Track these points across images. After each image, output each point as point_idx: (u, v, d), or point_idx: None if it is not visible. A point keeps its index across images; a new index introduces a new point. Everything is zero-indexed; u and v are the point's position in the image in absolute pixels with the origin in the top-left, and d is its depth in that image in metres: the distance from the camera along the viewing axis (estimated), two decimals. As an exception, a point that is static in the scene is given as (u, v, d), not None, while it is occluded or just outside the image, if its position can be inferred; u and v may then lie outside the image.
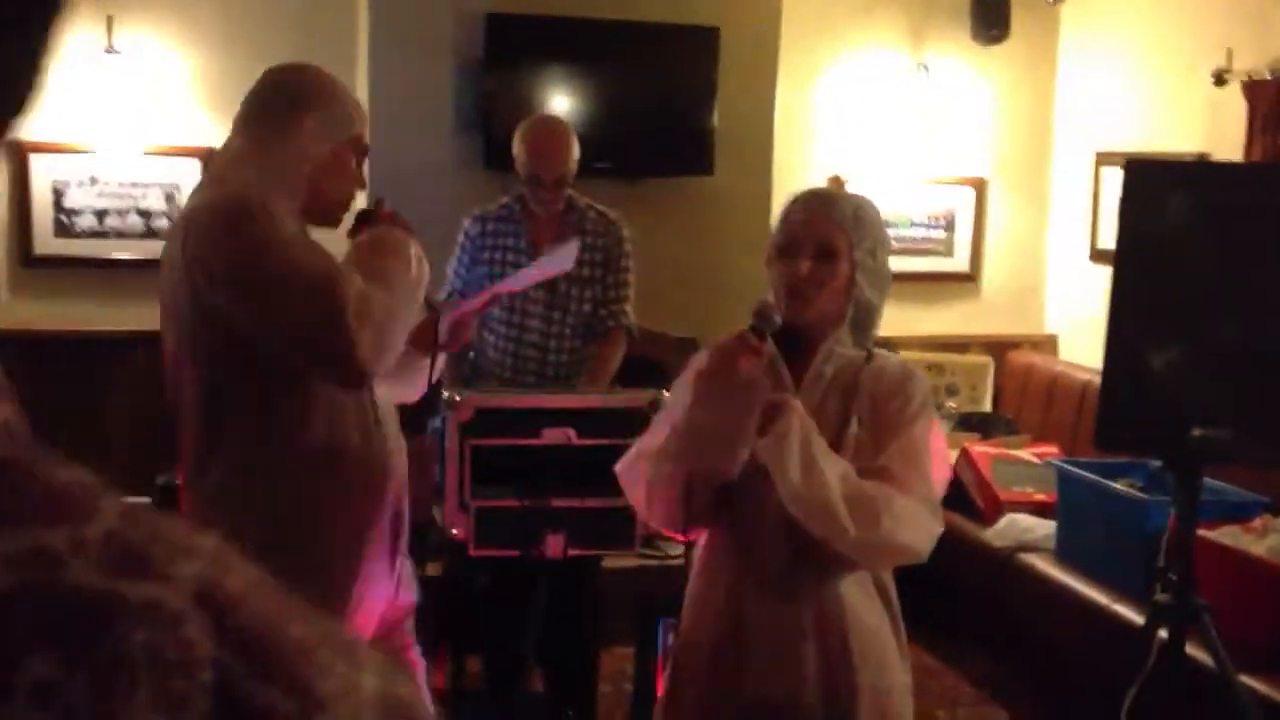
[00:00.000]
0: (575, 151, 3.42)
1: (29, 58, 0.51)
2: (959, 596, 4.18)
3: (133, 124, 4.29)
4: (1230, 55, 4.34)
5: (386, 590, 2.28)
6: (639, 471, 2.09)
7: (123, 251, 4.36)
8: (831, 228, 2.02)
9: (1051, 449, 4.51)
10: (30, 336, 4.28)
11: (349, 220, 2.28)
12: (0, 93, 0.51)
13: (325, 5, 4.54)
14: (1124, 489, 3.67)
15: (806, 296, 2.01)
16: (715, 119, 4.62)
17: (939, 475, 2.07)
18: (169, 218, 4.38)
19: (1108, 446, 3.19)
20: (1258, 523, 3.37)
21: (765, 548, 2.03)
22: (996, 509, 4.24)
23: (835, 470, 1.92)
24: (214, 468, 2.15)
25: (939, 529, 2.00)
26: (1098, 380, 4.31)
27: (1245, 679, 2.94)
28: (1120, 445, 3.14)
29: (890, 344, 4.84)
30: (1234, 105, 4.31)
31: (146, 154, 4.32)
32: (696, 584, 2.15)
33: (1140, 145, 4.73)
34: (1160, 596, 2.72)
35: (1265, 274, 2.59)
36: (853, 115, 5.13)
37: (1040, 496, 4.22)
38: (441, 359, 2.48)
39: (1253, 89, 4.24)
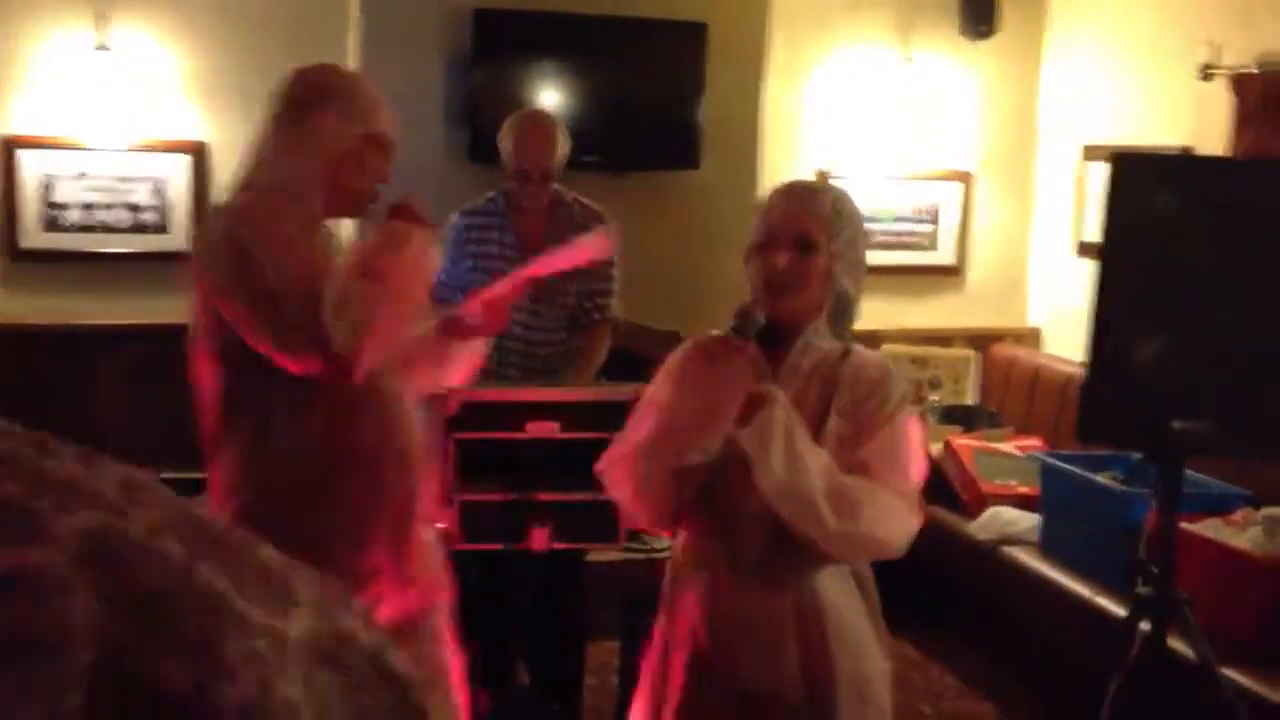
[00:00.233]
0: (562, 146, 3.43)
1: None
2: (942, 589, 4.20)
3: (122, 119, 4.29)
4: (1216, 50, 4.36)
5: (394, 577, 2.31)
6: (624, 468, 2.10)
7: (111, 246, 4.36)
8: (810, 221, 2.04)
9: (1034, 442, 4.53)
10: (18, 330, 4.28)
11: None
12: None
13: (315, 2, 4.53)
14: (1106, 482, 3.69)
15: (786, 289, 2.03)
16: (703, 114, 4.63)
17: (917, 470, 2.09)
18: (157, 212, 4.38)
19: (1090, 439, 3.22)
20: (1239, 515, 3.39)
21: (745, 539, 2.04)
22: (980, 502, 4.26)
23: (817, 463, 1.93)
24: (225, 457, 2.24)
25: (917, 525, 2.02)
26: (1080, 373, 4.34)
27: (1227, 671, 2.96)
28: (1102, 438, 3.16)
29: (875, 337, 4.89)
30: (1220, 99, 4.32)
31: (135, 149, 4.32)
32: (677, 576, 2.17)
33: (1126, 139, 4.75)
34: (1142, 589, 2.73)
35: (1250, 268, 2.61)
36: (840, 110, 5.14)
37: (1023, 489, 4.23)
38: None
39: (1238, 83, 4.25)
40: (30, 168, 4.26)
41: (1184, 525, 3.00)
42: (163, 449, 4.12)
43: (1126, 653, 2.68)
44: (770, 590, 2.04)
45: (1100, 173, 4.80)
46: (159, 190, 4.37)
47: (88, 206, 4.32)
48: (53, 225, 4.30)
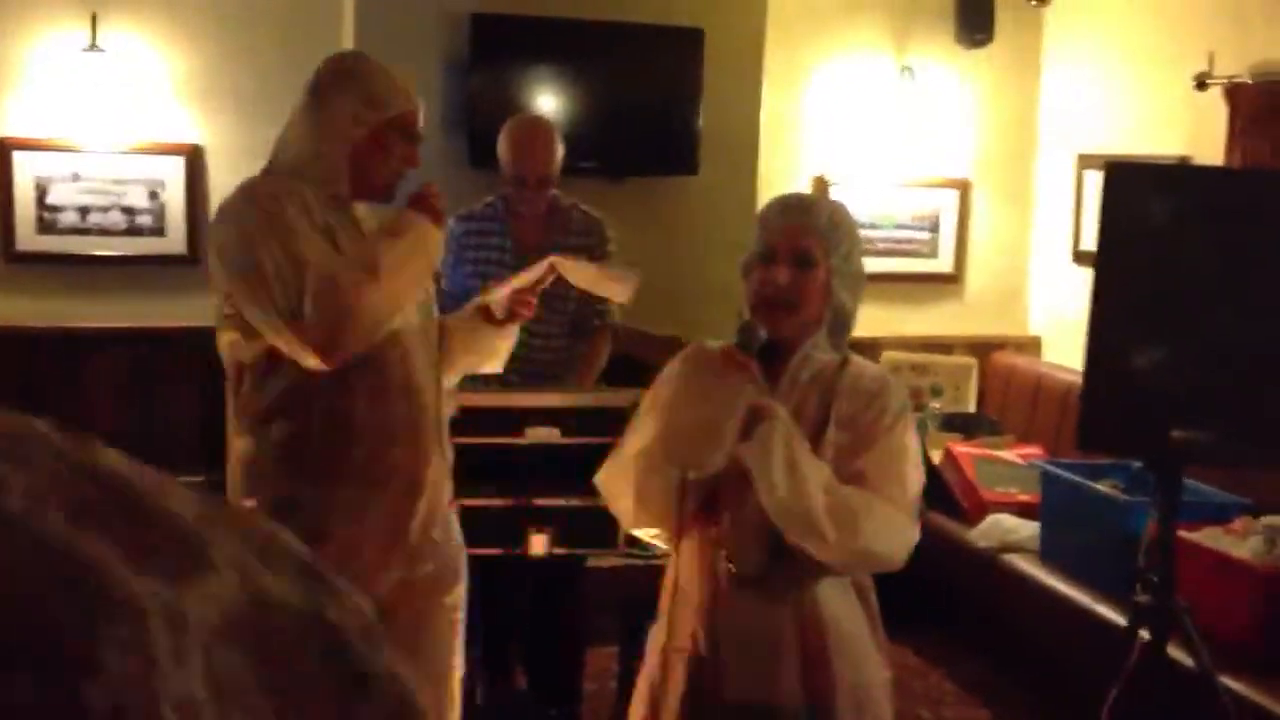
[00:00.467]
0: (559, 151, 3.42)
1: None
2: (943, 596, 4.19)
3: (116, 121, 4.27)
4: (1212, 59, 4.36)
5: (397, 557, 2.33)
6: (624, 479, 2.09)
7: (105, 248, 4.34)
8: (808, 237, 2.04)
9: (1035, 450, 4.53)
10: (11, 332, 4.26)
11: None
12: None
13: (311, 4, 4.52)
14: (1106, 490, 3.69)
15: (786, 306, 2.03)
16: (701, 120, 4.62)
17: (915, 480, 2.08)
18: (152, 215, 4.37)
19: (1089, 447, 3.21)
20: (1238, 524, 3.39)
21: (745, 550, 2.04)
22: (980, 509, 4.25)
23: (817, 477, 1.93)
24: (236, 425, 2.34)
25: (915, 537, 2.03)
26: (1080, 381, 4.35)
27: (1226, 679, 2.96)
28: (1102, 446, 3.15)
29: (875, 345, 4.88)
30: (1215, 109, 4.33)
31: (130, 151, 4.30)
32: (677, 585, 2.15)
33: (1122, 148, 4.75)
34: (1141, 597, 2.73)
35: (1244, 276, 2.61)
36: (838, 117, 5.14)
37: (1024, 497, 4.23)
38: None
39: (1234, 93, 4.26)
40: (24, 170, 4.24)
41: (1183, 534, 2.99)
42: (156, 451, 4.11)
43: (1126, 661, 2.68)
44: (770, 601, 2.04)
45: (1097, 181, 4.81)
46: (154, 193, 4.35)
47: (82, 209, 4.30)
48: (47, 228, 4.28)
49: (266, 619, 0.39)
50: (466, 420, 2.75)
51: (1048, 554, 3.93)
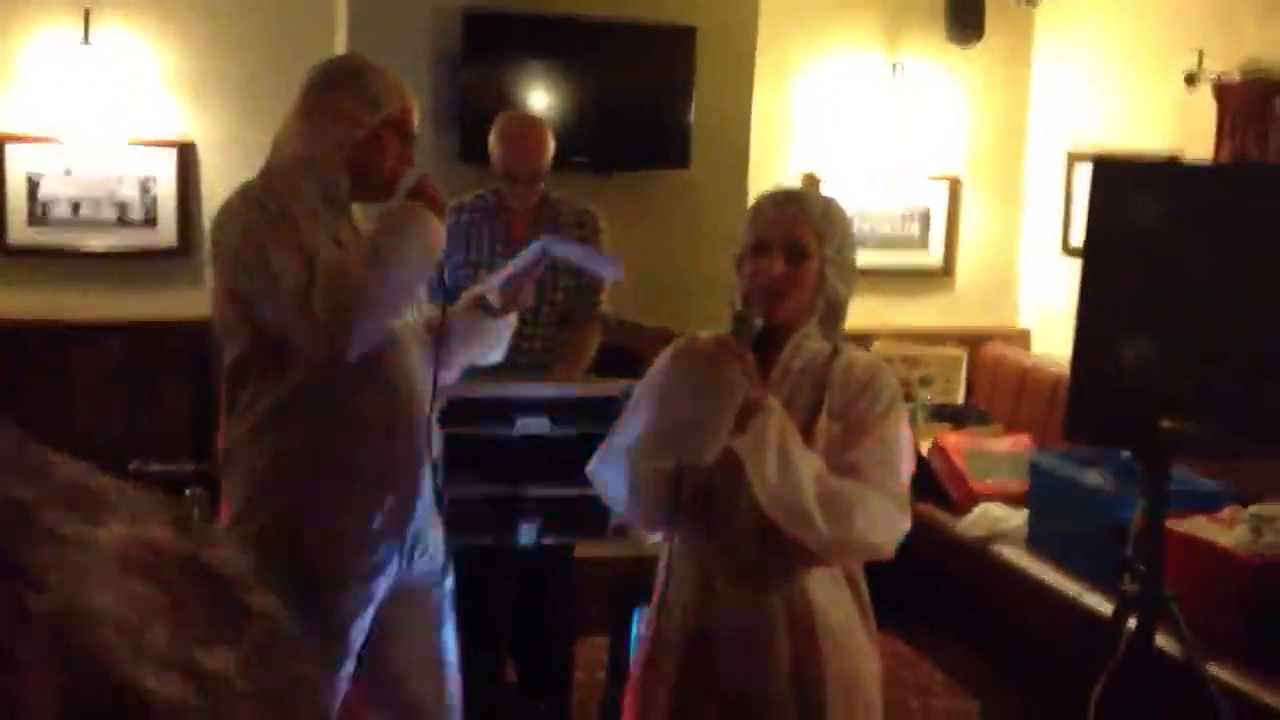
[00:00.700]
0: (550, 146, 3.44)
1: None
2: (932, 586, 4.20)
3: (108, 116, 4.27)
4: (1201, 57, 4.39)
5: (396, 555, 2.36)
6: (617, 469, 2.10)
7: (97, 242, 4.34)
8: (802, 228, 2.05)
9: (1023, 440, 4.55)
10: (4, 325, 4.27)
11: None
12: None
13: (302, 1, 4.53)
14: (1094, 480, 3.70)
15: (779, 296, 2.03)
16: (692, 115, 4.64)
17: (906, 469, 2.09)
18: (144, 209, 4.37)
19: (1077, 438, 3.23)
20: (1226, 513, 3.40)
21: (736, 540, 2.05)
22: (969, 499, 4.28)
23: (810, 468, 1.94)
24: (233, 430, 2.31)
25: (907, 526, 2.03)
26: (1069, 373, 4.37)
27: (1213, 668, 2.98)
28: (1089, 436, 3.17)
29: (866, 336, 4.90)
30: (1204, 106, 4.35)
31: (121, 145, 4.30)
32: (667, 576, 2.16)
33: (1112, 144, 4.78)
34: (1129, 586, 2.75)
35: (1232, 270, 2.63)
36: (828, 113, 5.16)
37: (1012, 487, 4.25)
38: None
39: (1223, 90, 4.28)
40: (17, 164, 4.24)
41: (1171, 523, 3.01)
42: (147, 443, 4.11)
43: (1113, 649, 2.69)
44: (761, 591, 2.05)
45: (1087, 176, 4.83)
46: (145, 187, 4.36)
47: (74, 202, 4.30)
48: (39, 221, 4.29)
49: (156, 557, 0.46)
50: (456, 410, 2.76)
51: (1035, 543, 3.95)
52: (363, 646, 2.35)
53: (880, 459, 2.01)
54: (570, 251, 2.70)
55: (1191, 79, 4.39)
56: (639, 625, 2.52)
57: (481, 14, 4.42)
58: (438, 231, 2.32)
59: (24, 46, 4.24)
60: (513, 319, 2.62)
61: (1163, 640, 2.76)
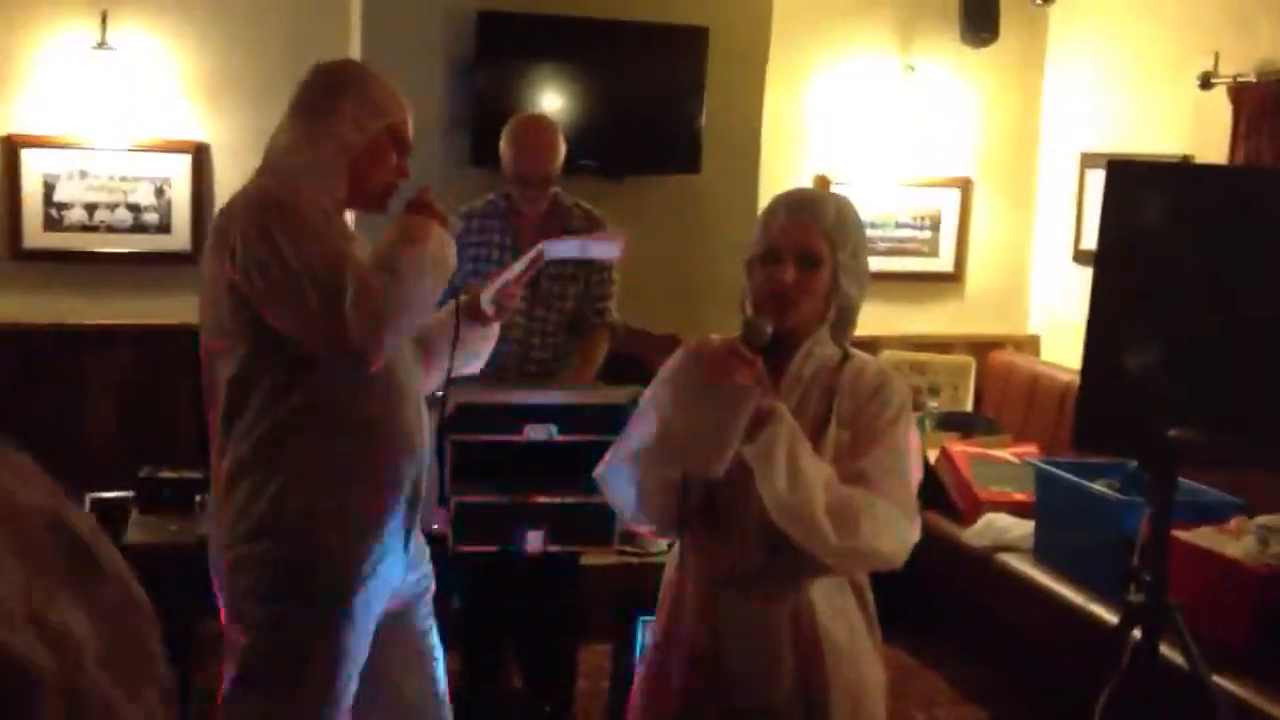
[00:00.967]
0: (561, 151, 3.44)
1: None
2: (937, 596, 4.20)
3: (124, 119, 4.30)
4: (1216, 58, 4.37)
5: (400, 566, 2.34)
6: (625, 474, 2.10)
7: (112, 246, 4.37)
8: (815, 235, 2.03)
9: (1031, 449, 4.53)
10: (18, 330, 4.30)
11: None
12: None
13: (318, 2, 4.55)
14: (1101, 489, 3.70)
15: (791, 304, 2.02)
16: (703, 118, 4.64)
17: (914, 476, 2.09)
18: (158, 213, 4.40)
19: (1086, 447, 3.23)
20: (1232, 524, 3.40)
21: (743, 549, 2.05)
22: (975, 508, 4.26)
23: (819, 477, 1.93)
24: (237, 443, 2.24)
25: (916, 537, 2.02)
26: (1078, 380, 4.35)
27: (1218, 679, 2.97)
28: (1098, 445, 3.17)
29: (874, 342, 4.89)
30: (1219, 108, 4.33)
31: (137, 149, 4.33)
32: (673, 584, 2.16)
33: (1125, 147, 4.76)
34: (1134, 597, 2.74)
35: (1244, 276, 2.61)
36: (840, 116, 5.15)
37: (1019, 496, 4.23)
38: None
39: (1238, 92, 4.26)
40: (32, 167, 4.27)
41: (1177, 533, 3.00)
42: (157, 449, 4.14)
43: (1118, 660, 2.69)
44: (767, 600, 2.05)
45: (1099, 180, 4.81)
46: (160, 190, 4.38)
47: (89, 206, 4.33)
48: (54, 225, 4.31)
49: (15, 513, 0.48)
50: (465, 417, 2.77)
51: (1042, 553, 3.94)
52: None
53: (889, 467, 2.01)
54: (568, 249, 2.70)
55: (1206, 81, 4.37)
56: (644, 633, 2.53)
57: (495, 14, 4.42)
58: (449, 245, 2.31)
59: (40, 50, 4.27)
60: (498, 328, 2.59)
61: (1168, 651, 2.75)
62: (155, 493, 3.40)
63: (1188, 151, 4.51)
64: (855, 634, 2.09)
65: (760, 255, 2.05)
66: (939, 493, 4.30)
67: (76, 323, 4.31)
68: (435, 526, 2.82)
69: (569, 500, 2.78)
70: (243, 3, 4.46)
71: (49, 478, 0.53)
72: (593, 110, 4.53)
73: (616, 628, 3.27)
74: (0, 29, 4.23)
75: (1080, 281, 4.79)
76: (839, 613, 2.07)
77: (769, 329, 2.01)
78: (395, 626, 2.38)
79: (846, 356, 2.10)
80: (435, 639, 2.49)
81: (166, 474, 3.45)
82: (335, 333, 2.13)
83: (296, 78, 2.36)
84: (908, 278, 5.21)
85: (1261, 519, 3.36)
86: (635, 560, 2.96)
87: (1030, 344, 5.38)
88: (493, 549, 2.85)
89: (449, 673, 3.43)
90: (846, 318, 2.10)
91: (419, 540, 2.43)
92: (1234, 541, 3.30)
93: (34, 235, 4.30)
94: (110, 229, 4.34)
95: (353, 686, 2.28)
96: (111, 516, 3.38)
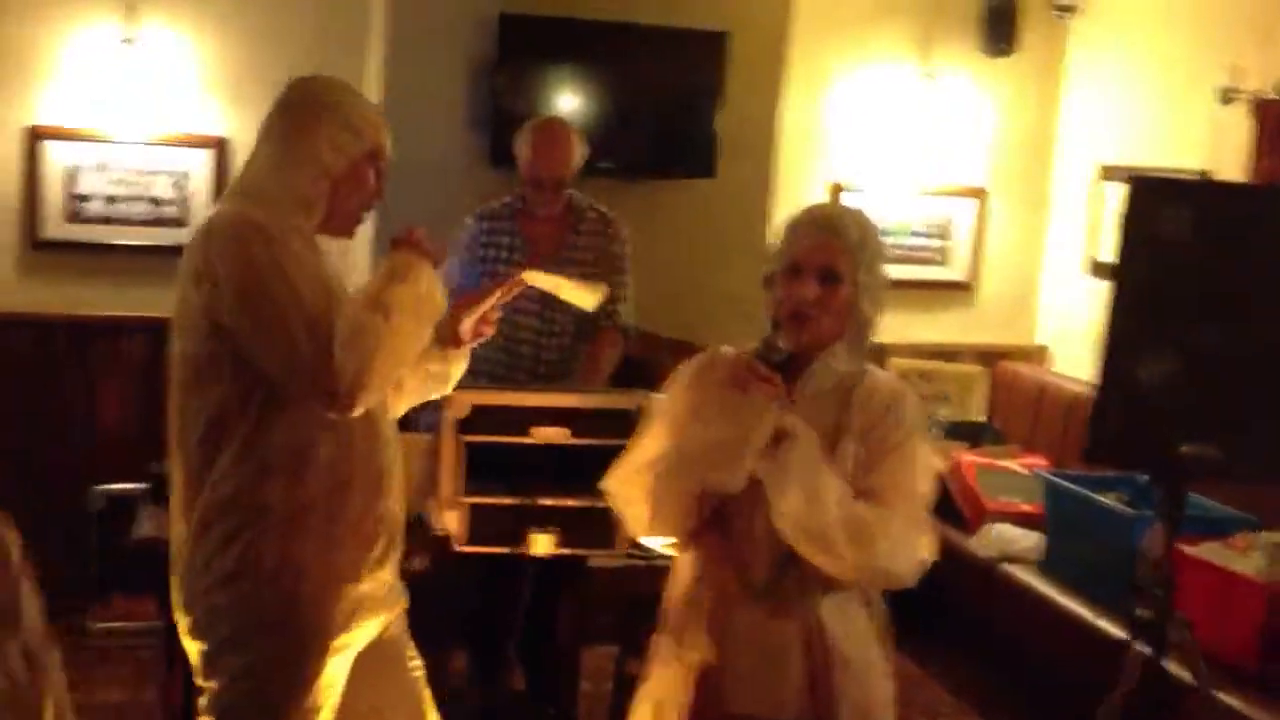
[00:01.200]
0: (578, 154, 3.46)
1: None
2: (942, 605, 4.20)
3: (146, 113, 4.32)
4: (1237, 74, 4.36)
5: (382, 607, 2.28)
6: (637, 487, 2.10)
7: (130, 238, 4.39)
8: (838, 252, 2.04)
9: (1039, 460, 4.53)
10: (36, 319, 4.32)
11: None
12: None
13: (342, 2, 4.57)
14: (1110, 502, 3.69)
15: (810, 320, 2.03)
16: (720, 123, 4.65)
17: (927, 492, 2.10)
18: (177, 206, 4.42)
19: (1097, 459, 3.21)
20: (1239, 539, 3.39)
21: (754, 560, 2.05)
22: (982, 518, 4.26)
23: (833, 494, 1.95)
24: (213, 486, 2.13)
25: (929, 554, 2.03)
26: (1087, 392, 4.32)
27: (1224, 696, 2.97)
28: (1109, 459, 3.16)
29: (884, 351, 4.89)
30: (1239, 124, 4.32)
31: (158, 143, 4.36)
32: (681, 593, 2.16)
33: (1143, 161, 4.75)
34: (1141, 612, 2.74)
35: (1262, 294, 2.61)
36: (857, 123, 5.15)
37: (1026, 507, 4.23)
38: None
39: (1259, 108, 4.25)
40: (54, 159, 4.30)
41: (1185, 548, 3.00)
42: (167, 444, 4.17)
43: (1124, 675, 2.69)
44: (777, 614, 2.05)
45: (1116, 193, 4.81)
46: (179, 184, 4.41)
47: (109, 198, 4.36)
48: (74, 216, 4.34)
49: None
50: (475, 418, 2.79)
51: (1049, 565, 3.93)
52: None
53: (902, 484, 2.02)
54: (545, 281, 2.68)
55: (1227, 96, 4.36)
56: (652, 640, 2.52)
57: (517, 17, 4.44)
58: (438, 282, 2.22)
59: (66, 42, 4.29)
60: (468, 353, 2.48)
61: (1174, 666, 2.75)
62: (166, 487, 3.41)
63: (1206, 167, 4.50)
64: (865, 649, 2.10)
65: (781, 270, 2.06)
66: (946, 502, 4.30)
67: (92, 313, 4.33)
68: (446, 527, 2.83)
69: (578, 504, 2.79)
70: (268, 1, 4.48)
71: None
72: (610, 113, 4.55)
73: (621, 631, 3.27)
74: (28, 22, 4.26)
75: (1093, 293, 4.79)
76: (849, 627, 2.08)
77: (785, 346, 2.02)
78: (373, 655, 2.31)
79: (860, 372, 2.10)
80: (412, 650, 2.41)
81: (177, 469, 3.46)
82: (322, 374, 2.02)
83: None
84: (919, 286, 5.21)
85: (1270, 534, 3.36)
86: (642, 563, 2.96)
87: (1039, 354, 5.38)
88: (501, 550, 2.86)
89: (453, 673, 3.46)
90: (863, 334, 2.11)
91: (396, 578, 2.34)
92: (1242, 557, 3.29)
93: (54, 226, 4.33)
94: (129, 221, 4.36)
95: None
96: (122, 510, 3.40)
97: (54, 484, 4.26)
